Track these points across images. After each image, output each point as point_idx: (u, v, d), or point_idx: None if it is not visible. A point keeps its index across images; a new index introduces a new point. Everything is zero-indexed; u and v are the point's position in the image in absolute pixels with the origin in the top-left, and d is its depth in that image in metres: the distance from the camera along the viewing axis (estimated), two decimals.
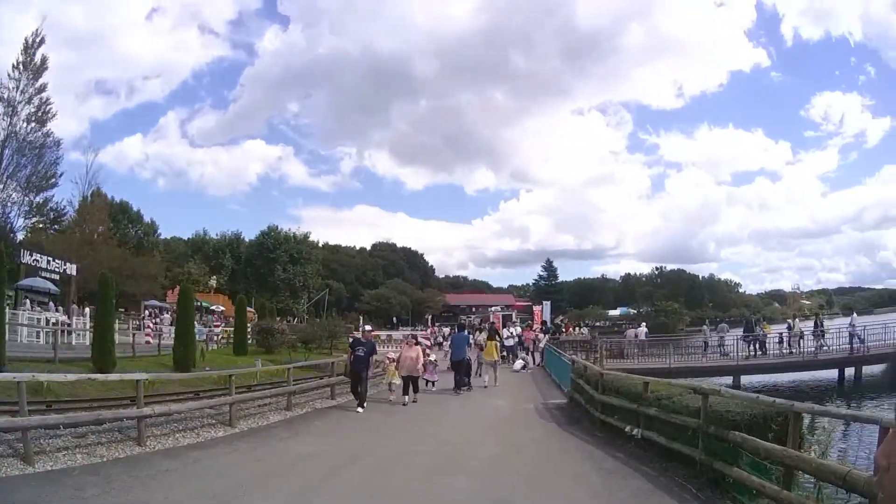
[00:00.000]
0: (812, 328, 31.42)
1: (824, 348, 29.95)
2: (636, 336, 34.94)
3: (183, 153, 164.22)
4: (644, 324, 39.59)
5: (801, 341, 30.41)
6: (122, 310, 47.94)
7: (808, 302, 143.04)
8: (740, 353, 30.17)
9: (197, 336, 36.13)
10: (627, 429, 11.52)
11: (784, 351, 31.07)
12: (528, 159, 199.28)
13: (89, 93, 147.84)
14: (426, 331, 53.86)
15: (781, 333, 32.48)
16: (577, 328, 46.65)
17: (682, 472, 9.21)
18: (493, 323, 39.43)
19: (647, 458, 10.32)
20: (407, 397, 17.93)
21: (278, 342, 35.89)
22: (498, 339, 25.52)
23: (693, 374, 27.63)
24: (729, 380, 28.21)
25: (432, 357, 22.38)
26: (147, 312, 49.57)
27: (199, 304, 62.37)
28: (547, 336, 35.60)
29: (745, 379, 29.13)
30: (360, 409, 16.40)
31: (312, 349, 37.83)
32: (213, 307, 63.68)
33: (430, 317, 76.70)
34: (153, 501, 7.88)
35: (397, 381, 18.46)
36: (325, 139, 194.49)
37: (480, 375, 23.55)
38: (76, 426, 11.14)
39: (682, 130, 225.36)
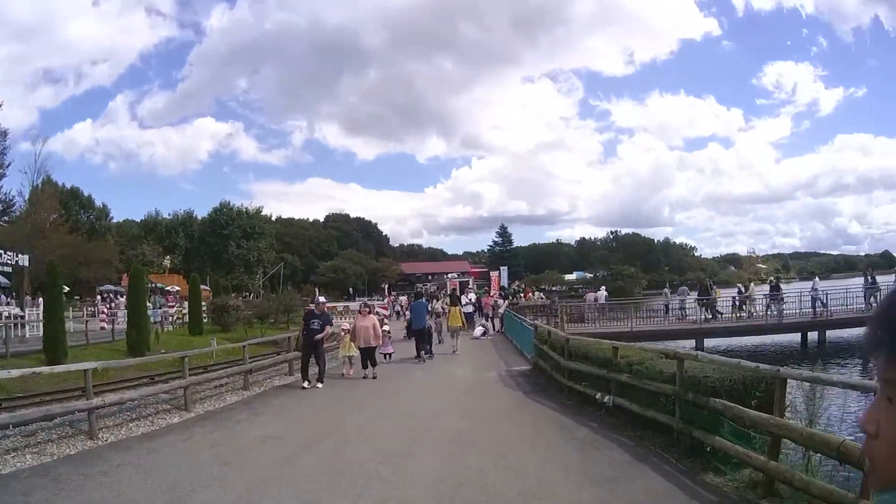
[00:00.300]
0: (768, 292, 31.57)
1: (785, 312, 30.12)
2: (596, 300, 34.92)
3: (133, 135, 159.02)
4: (603, 287, 39.55)
5: (762, 304, 30.59)
6: (77, 297, 48.31)
7: (764, 266, 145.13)
8: (700, 317, 30.34)
9: (151, 318, 35.61)
10: (598, 396, 11.29)
11: (741, 314, 31.21)
12: (478, 126, 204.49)
13: (38, 82, 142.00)
14: (384, 301, 53.05)
15: (734, 297, 32.67)
16: (534, 293, 46.45)
17: (659, 440, 9.04)
18: (454, 290, 39.20)
19: (621, 427, 10.14)
20: (366, 371, 17.14)
21: (234, 319, 35.31)
22: (460, 305, 25.45)
23: (655, 337, 27.60)
24: (691, 343, 28.11)
25: (386, 328, 21.18)
26: (100, 297, 48.53)
27: (153, 285, 61.81)
28: (506, 302, 35.40)
29: (709, 342, 29.08)
30: (318, 385, 15.89)
31: (269, 324, 37.29)
32: (169, 288, 62.32)
33: (386, 286, 75.83)
34: (104, 501, 7.40)
35: (354, 353, 17.72)
36: (275, 114, 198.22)
37: (441, 342, 23.80)
38: (26, 424, 10.62)
39: (633, 97, 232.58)
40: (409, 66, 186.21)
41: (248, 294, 68.97)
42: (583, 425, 10.59)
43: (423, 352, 20.90)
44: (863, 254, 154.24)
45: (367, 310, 18.92)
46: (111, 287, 54.91)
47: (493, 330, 30.79)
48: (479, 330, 28.94)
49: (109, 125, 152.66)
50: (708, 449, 7.79)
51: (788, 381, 6.71)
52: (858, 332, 30.29)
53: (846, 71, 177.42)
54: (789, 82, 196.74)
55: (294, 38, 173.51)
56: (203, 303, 37.24)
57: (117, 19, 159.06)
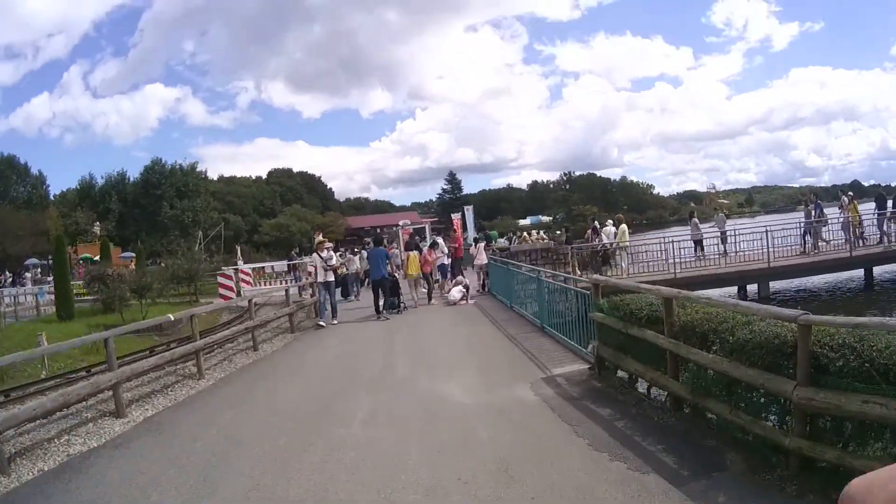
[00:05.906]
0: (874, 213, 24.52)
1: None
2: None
3: (87, 106, 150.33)
4: (610, 221, 30.59)
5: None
6: (10, 274, 47.16)
7: (725, 201, 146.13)
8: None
9: (38, 297, 31.12)
10: None
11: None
12: (422, 77, 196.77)
13: None
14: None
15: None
16: (531, 235, 37.67)
17: None
18: (409, 238, 30.68)
19: None
20: None
21: (118, 295, 24.79)
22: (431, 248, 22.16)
23: (705, 284, 20.27)
24: (750, 287, 22.95)
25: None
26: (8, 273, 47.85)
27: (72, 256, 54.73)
28: (480, 246, 25.55)
29: (775, 285, 23.16)
30: None
31: (152, 300, 27.35)
32: (97, 259, 53.62)
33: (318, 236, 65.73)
34: None
35: None
36: (222, 75, 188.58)
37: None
38: None
39: (578, 40, 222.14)
40: (353, 17, 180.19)
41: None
42: None
43: (391, 305, 18.72)
44: (827, 185, 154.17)
45: None
46: (35, 261, 53.62)
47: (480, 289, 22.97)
48: (456, 292, 20.17)
49: (65, 97, 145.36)
50: None
51: None
52: None
53: (802, 5, 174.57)
54: (740, 19, 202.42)
55: None
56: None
57: None
